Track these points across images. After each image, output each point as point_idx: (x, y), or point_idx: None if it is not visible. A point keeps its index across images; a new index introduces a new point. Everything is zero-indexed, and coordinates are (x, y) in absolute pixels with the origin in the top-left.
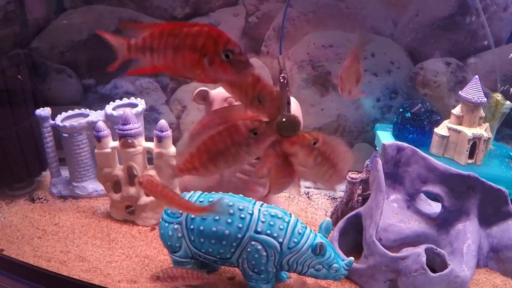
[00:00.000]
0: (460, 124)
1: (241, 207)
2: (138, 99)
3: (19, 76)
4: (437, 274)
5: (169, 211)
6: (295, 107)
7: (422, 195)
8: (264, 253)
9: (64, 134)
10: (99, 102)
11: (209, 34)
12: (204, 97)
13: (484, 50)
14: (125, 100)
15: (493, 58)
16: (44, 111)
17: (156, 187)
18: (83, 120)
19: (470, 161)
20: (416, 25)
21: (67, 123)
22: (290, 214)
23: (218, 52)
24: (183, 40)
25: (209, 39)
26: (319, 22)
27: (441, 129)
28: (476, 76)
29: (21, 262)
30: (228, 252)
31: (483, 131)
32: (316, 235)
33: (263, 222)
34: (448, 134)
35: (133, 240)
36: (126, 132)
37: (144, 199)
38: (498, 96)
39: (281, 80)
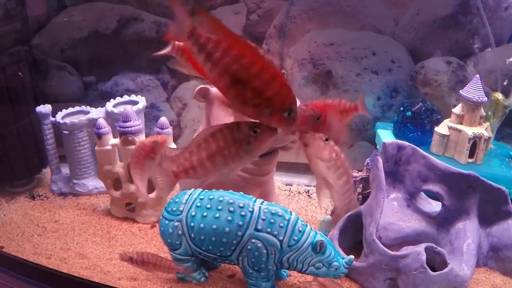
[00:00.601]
0: (461, 123)
1: (241, 205)
2: (139, 96)
3: (19, 73)
4: (437, 272)
5: (169, 209)
6: None
7: (422, 194)
8: (264, 251)
9: (64, 131)
10: (100, 99)
11: (280, 91)
12: (204, 95)
13: (484, 49)
14: (126, 98)
15: (494, 57)
16: (44, 108)
17: (140, 154)
18: (83, 117)
19: (470, 160)
20: (417, 24)
21: (67, 120)
22: (291, 212)
23: (283, 110)
24: (250, 78)
25: (279, 96)
26: (320, 20)
27: (442, 128)
28: (477, 75)
29: (21, 259)
30: (228, 250)
31: (483, 130)
32: (316, 233)
33: (263, 220)
34: (448, 133)
35: (133, 237)
36: (126, 129)
37: None
38: (499, 95)
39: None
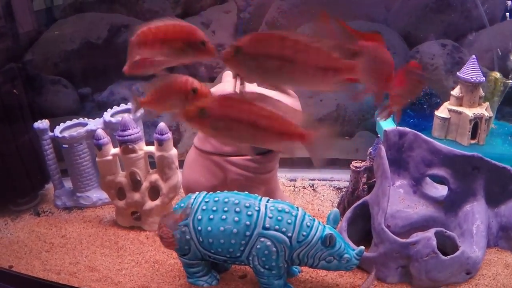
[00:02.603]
0: (460, 105)
1: (247, 205)
2: None
3: (14, 91)
4: (449, 256)
5: None
6: (293, 101)
7: (428, 179)
8: (274, 249)
9: (64, 145)
10: (97, 110)
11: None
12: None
13: (479, 29)
14: (123, 106)
15: (488, 36)
16: (42, 124)
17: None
18: (82, 130)
19: (473, 141)
20: (409, 9)
21: (66, 134)
22: (297, 208)
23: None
24: None
25: None
26: (312, 13)
27: (442, 112)
28: (473, 56)
29: (31, 277)
30: (237, 251)
31: (483, 110)
32: (324, 226)
33: (270, 217)
34: (449, 116)
35: (142, 246)
36: (126, 138)
37: (149, 204)
38: (497, 74)
39: None
